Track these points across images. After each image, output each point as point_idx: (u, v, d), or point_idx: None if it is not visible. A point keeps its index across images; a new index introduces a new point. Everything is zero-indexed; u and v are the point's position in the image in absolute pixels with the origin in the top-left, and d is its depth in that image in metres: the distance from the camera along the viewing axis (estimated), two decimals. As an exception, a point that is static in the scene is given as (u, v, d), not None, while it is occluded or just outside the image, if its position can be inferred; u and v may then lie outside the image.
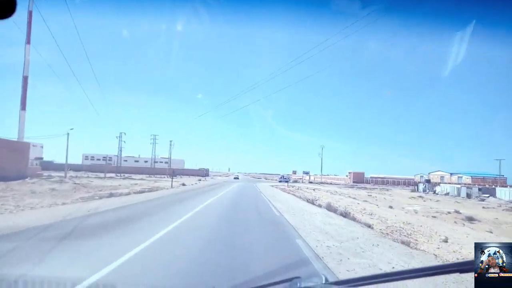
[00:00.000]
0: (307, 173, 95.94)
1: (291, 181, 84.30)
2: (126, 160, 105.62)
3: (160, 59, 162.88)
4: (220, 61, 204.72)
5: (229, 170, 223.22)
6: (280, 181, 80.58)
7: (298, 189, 48.38)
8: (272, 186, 56.32)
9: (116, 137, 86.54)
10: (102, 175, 72.92)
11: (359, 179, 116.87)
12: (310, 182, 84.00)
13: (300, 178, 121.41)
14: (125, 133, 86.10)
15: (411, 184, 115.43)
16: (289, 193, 38.11)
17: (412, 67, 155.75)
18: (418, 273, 1.39)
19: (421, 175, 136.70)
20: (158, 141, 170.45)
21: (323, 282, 1.45)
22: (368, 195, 43.70)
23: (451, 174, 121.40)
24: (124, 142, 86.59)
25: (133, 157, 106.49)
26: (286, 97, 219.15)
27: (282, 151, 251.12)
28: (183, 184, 44.68)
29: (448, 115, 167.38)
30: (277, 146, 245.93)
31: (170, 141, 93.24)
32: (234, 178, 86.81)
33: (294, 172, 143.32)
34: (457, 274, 1.36)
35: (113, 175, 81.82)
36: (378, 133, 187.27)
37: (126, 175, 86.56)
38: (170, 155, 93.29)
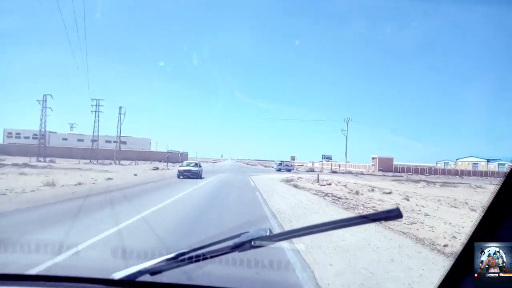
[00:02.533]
0: (329, 158, 65.67)
1: (294, 169, 57.21)
2: (66, 139, 75.30)
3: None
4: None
5: (222, 156, 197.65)
6: (278, 170, 55.13)
7: (357, 193, 19.19)
8: (296, 187, 26.35)
9: (38, 101, 55.39)
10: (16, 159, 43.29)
11: (386, 167, 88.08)
12: (334, 172, 54.65)
13: (301, 165, 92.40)
14: (51, 96, 55.23)
15: (442, 173, 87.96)
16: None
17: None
18: (350, 221, 1.55)
19: (446, 161, 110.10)
20: (129, 117, 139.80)
21: (267, 234, 1.55)
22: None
23: (488, 160, 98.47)
24: (51, 110, 55.76)
25: (78, 134, 75.91)
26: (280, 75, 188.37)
27: (279, 136, 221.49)
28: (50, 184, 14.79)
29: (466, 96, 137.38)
30: (274, 131, 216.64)
31: (120, 107, 62.26)
32: (179, 172, 28.22)
33: (293, 158, 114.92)
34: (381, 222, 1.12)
35: (34, 159, 51.90)
36: (387, 115, 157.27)
37: (57, 159, 56.72)
38: (119, 130, 62.35)
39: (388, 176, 58.00)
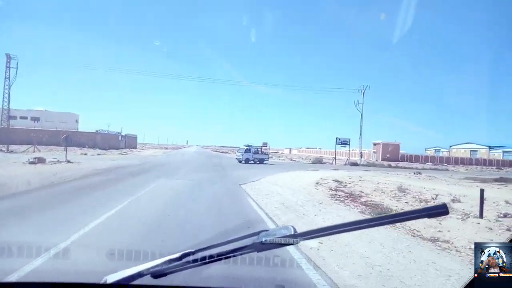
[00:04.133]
0: (345, 143, 43.24)
1: (267, 159, 37.95)
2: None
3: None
4: None
5: (187, 143, 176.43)
6: (245, 160, 35.05)
7: None
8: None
9: None
10: None
11: (392, 155, 70.88)
12: (354, 164, 34.92)
13: (275, 152, 72.88)
14: None
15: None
16: None
17: None
18: (383, 220, 1.35)
19: (437, 148, 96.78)
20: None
21: (292, 233, 1.41)
22: None
23: (490, 147, 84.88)
24: None
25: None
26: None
27: (250, 120, 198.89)
28: None
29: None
30: (244, 114, 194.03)
31: (8, 56, 37.62)
32: None
33: (265, 145, 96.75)
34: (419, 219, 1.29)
35: None
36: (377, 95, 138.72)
37: None
38: (6, 94, 37.40)
39: (426, 168, 39.54)
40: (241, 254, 1.45)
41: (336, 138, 42.45)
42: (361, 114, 46.12)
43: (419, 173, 24.76)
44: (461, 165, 64.52)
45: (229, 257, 1.48)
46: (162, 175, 16.26)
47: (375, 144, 73.78)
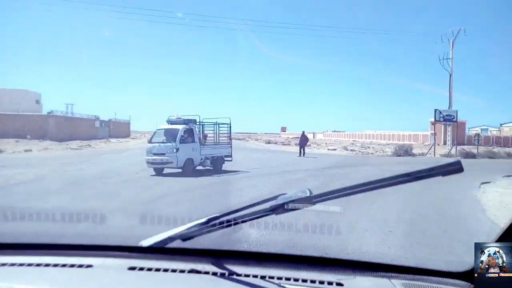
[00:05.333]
0: (449, 119, 28.44)
1: (230, 154, 15.91)
2: None
3: None
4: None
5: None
6: (170, 163, 13.53)
7: None
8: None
9: None
10: None
11: (458, 138, 54.02)
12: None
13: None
14: None
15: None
16: None
17: None
18: (399, 179, 1.31)
19: (484, 127, 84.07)
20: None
21: (308, 195, 1.45)
22: None
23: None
24: None
25: None
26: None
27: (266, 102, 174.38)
28: None
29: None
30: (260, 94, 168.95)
31: None
32: None
33: (283, 130, 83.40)
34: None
35: None
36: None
37: None
38: None
39: None
40: (261, 217, 1.50)
41: (435, 110, 27.56)
42: (450, 76, 30.62)
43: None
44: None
45: (250, 219, 1.54)
46: None
47: (433, 123, 57.83)
